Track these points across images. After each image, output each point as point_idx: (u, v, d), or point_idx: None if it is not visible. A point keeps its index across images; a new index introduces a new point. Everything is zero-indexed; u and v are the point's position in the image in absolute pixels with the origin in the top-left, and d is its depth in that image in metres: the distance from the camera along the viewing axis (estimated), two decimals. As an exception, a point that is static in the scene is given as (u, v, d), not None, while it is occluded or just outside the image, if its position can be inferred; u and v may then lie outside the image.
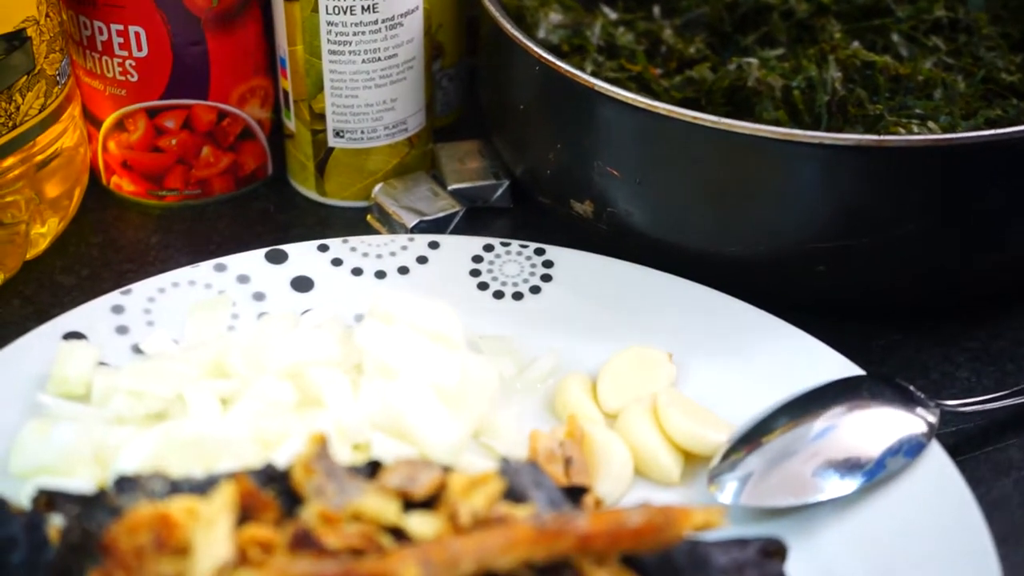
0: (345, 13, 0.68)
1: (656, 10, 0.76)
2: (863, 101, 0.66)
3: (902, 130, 0.63)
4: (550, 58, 0.63)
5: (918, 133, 0.63)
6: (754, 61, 0.68)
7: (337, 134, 0.71)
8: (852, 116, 0.65)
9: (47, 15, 0.65)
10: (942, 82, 0.67)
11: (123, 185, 0.73)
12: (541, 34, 0.71)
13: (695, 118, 0.59)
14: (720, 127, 0.59)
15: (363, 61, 0.69)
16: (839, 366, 0.58)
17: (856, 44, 0.70)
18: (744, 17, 0.74)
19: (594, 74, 0.68)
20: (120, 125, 0.71)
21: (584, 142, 0.64)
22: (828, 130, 0.65)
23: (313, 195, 0.74)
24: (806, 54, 0.69)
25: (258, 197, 0.75)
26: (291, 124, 0.73)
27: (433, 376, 0.55)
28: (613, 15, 0.75)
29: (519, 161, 0.70)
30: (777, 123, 0.65)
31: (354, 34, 0.68)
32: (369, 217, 0.72)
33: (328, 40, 0.69)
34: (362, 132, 0.71)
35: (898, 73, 0.68)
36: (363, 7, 0.68)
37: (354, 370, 0.57)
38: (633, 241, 0.64)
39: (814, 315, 0.62)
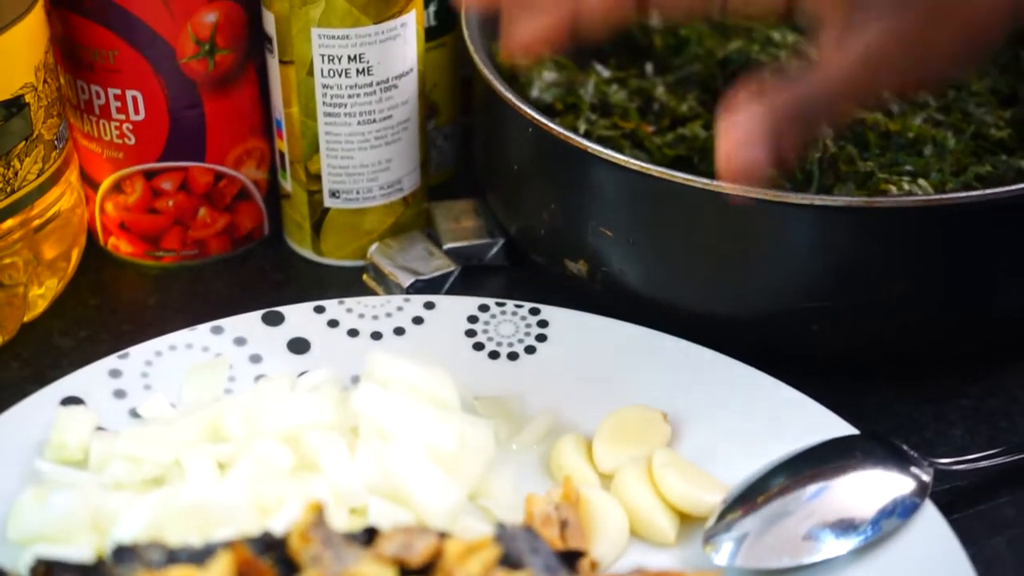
0: (340, 76, 0.68)
1: (649, 67, 0.77)
2: (854, 158, 0.67)
3: (893, 188, 0.64)
4: (543, 120, 0.64)
5: (909, 191, 0.64)
6: None
7: (333, 194, 0.72)
8: (843, 173, 0.66)
9: (45, 81, 0.66)
10: (932, 139, 0.68)
11: (120, 246, 0.74)
12: (535, 93, 0.72)
13: (687, 180, 0.60)
14: (711, 189, 0.59)
15: (358, 123, 0.70)
16: (833, 425, 0.58)
17: (846, 100, 0.71)
18: (735, 74, 0.75)
19: (587, 133, 0.69)
20: (117, 187, 0.72)
21: (578, 202, 0.64)
22: (820, 187, 0.65)
23: (309, 254, 0.74)
24: None
25: (254, 257, 0.75)
26: (287, 185, 0.73)
27: (429, 440, 0.56)
28: (606, 73, 0.76)
29: (513, 220, 0.71)
30: (769, 181, 0.66)
31: (349, 96, 0.69)
32: (365, 277, 0.72)
33: (323, 102, 0.69)
34: (358, 192, 0.72)
35: (888, 129, 0.69)
36: (358, 70, 0.68)
37: (351, 433, 0.58)
38: (627, 300, 0.65)
39: (807, 371, 0.62)
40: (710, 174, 0.65)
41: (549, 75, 0.73)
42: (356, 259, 0.74)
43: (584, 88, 0.73)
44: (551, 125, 0.64)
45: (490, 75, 0.67)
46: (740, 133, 0.52)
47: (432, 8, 0.74)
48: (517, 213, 0.70)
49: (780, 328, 0.63)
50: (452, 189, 0.79)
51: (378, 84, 0.69)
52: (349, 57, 0.68)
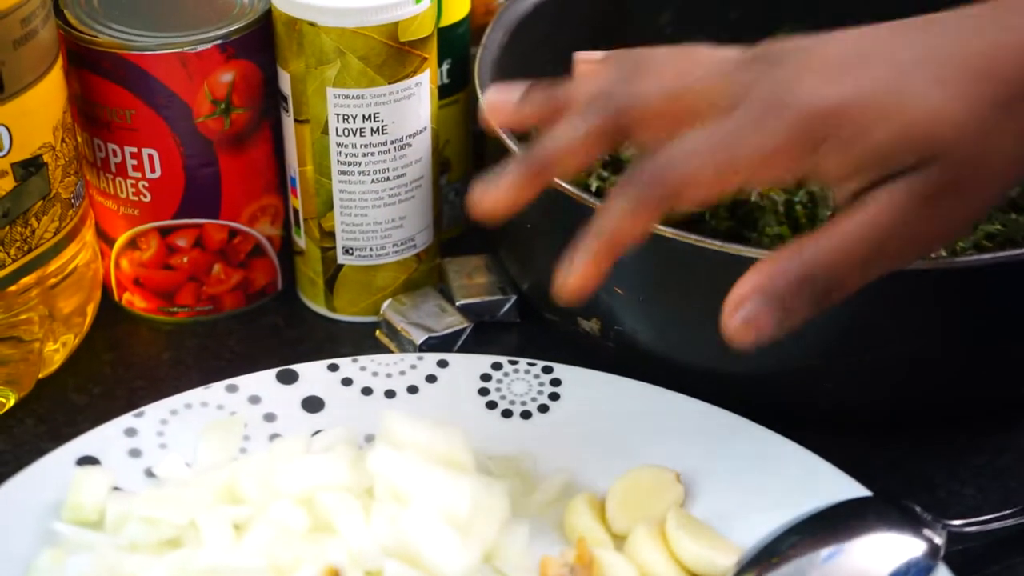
0: (355, 135, 0.70)
1: None
2: None
3: None
4: (568, 187, 0.65)
5: None
6: None
7: (346, 251, 0.73)
8: None
9: (63, 140, 0.67)
10: None
11: (135, 302, 0.75)
12: None
13: (699, 241, 0.61)
14: (725, 251, 0.60)
15: (372, 181, 0.71)
16: (846, 487, 0.59)
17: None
18: None
19: (599, 190, 0.70)
20: (133, 243, 0.73)
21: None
22: None
23: (322, 310, 0.75)
24: None
25: (268, 312, 0.76)
26: (301, 241, 0.74)
27: (444, 502, 0.57)
28: None
29: (526, 277, 0.71)
30: (780, 238, 0.67)
31: (363, 155, 0.70)
32: (378, 333, 0.73)
33: (338, 161, 0.70)
34: (371, 249, 0.73)
35: None
36: (372, 129, 0.70)
37: (366, 495, 0.59)
38: (640, 358, 0.66)
39: (819, 429, 0.63)
40: (721, 232, 0.66)
41: None
42: (369, 315, 0.75)
43: None
44: (564, 185, 0.65)
45: (503, 133, 0.68)
46: (748, 300, 0.52)
47: (445, 66, 0.76)
48: (530, 270, 0.71)
49: (792, 386, 0.64)
50: (464, 244, 0.80)
51: (392, 143, 0.70)
52: (364, 116, 0.69)
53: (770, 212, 0.68)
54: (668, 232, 0.61)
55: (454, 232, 0.81)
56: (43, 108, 0.65)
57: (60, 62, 0.67)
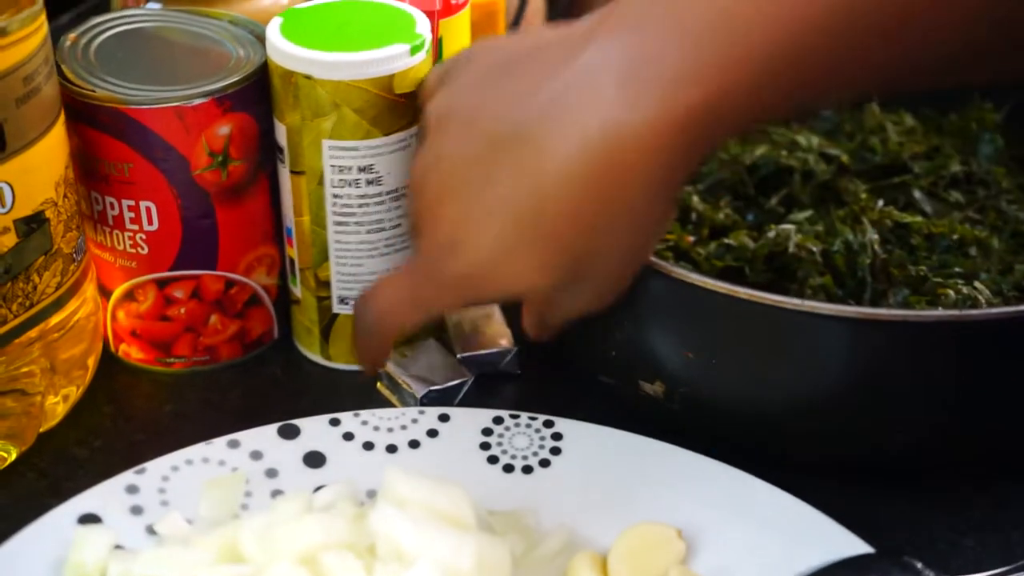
0: (350, 186, 0.71)
1: None
2: (904, 262, 0.70)
3: (951, 292, 0.68)
4: None
5: (968, 294, 0.67)
6: (791, 227, 0.71)
7: (342, 301, 0.75)
8: (895, 278, 0.69)
9: (65, 195, 0.68)
10: (975, 239, 0.71)
11: (131, 353, 0.76)
12: None
13: (778, 302, 0.62)
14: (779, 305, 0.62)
15: (368, 231, 0.72)
16: (849, 543, 0.60)
17: (881, 203, 0.74)
18: (765, 179, 0.78)
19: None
20: (130, 295, 0.74)
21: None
22: (873, 292, 0.69)
23: (319, 359, 0.77)
24: (837, 216, 0.73)
25: (268, 363, 0.78)
26: (297, 291, 0.76)
27: (447, 561, 0.58)
28: None
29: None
30: (824, 289, 0.69)
31: (359, 206, 0.72)
32: (379, 385, 0.75)
33: (333, 211, 0.72)
34: None
35: (931, 231, 0.72)
36: (367, 180, 0.71)
37: (368, 553, 0.60)
38: (642, 402, 0.67)
39: (820, 478, 0.65)
40: (761, 284, 0.68)
41: None
42: None
43: None
44: None
45: None
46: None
47: None
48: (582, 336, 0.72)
49: (809, 436, 0.65)
50: None
51: (387, 194, 0.72)
52: (359, 168, 0.71)
53: (809, 263, 0.70)
54: (744, 293, 0.62)
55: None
56: (45, 164, 0.67)
57: (62, 118, 0.68)
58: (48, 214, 0.67)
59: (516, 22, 0.88)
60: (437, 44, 0.75)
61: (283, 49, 0.69)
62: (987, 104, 0.83)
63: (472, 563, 0.58)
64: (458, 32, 0.76)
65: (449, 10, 0.75)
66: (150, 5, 0.78)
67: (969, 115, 0.82)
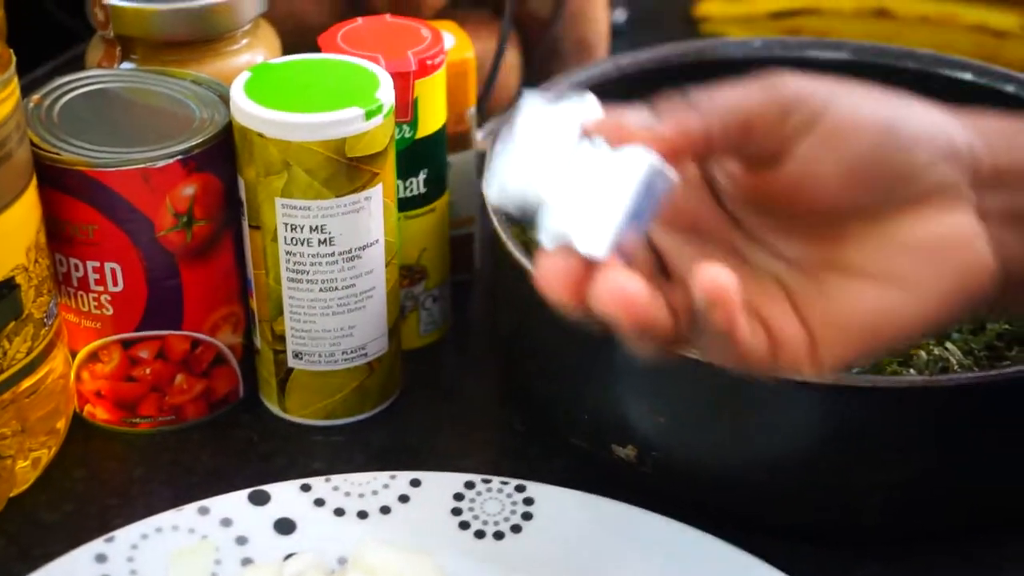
0: (303, 244, 0.74)
1: None
2: None
3: (923, 353, 0.71)
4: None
5: (937, 356, 0.71)
6: None
7: (296, 356, 0.77)
8: None
9: (36, 260, 0.71)
10: None
11: (97, 413, 0.79)
12: None
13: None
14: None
15: (320, 290, 0.75)
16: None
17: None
18: None
19: None
20: (94, 356, 0.77)
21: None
22: None
23: (277, 411, 0.80)
24: None
25: (239, 424, 0.80)
26: (258, 342, 0.79)
27: (418, 633, 0.61)
28: None
29: (544, 397, 0.76)
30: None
31: (311, 264, 0.75)
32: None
33: (287, 268, 0.75)
34: (320, 356, 0.77)
35: None
36: (320, 240, 0.74)
37: (339, 623, 0.62)
38: (618, 468, 0.70)
39: (794, 542, 0.67)
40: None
41: None
42: (320, 419, 0.80)
43: None
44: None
45: (526, 262, 0.71)
46: None
47: (422, 176, 0.81)
48: (553, 387, 0.75)
49: (782, 500, 0.68)
50: (443, 350, 0.86)
51: (340, 254, 0.75)
52: (311, 227, 0.74)
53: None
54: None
55: (434, 337, 0.86)
56: (17, 230, 0.69)
57: (35, 182, 0.71)
58: (19, 279, 0.70)
59: (491, 79, 0.90)
60: (412, 104, 0.78)
61: (241, 106, 0.72)
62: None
63: (443, 635, 0.61)
64: (434, 92, 0.79)
65: (424, 71, 0.78)
66: (123, 65, 0.80)
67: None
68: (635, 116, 0.56)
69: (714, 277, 0.53)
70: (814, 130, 0.58)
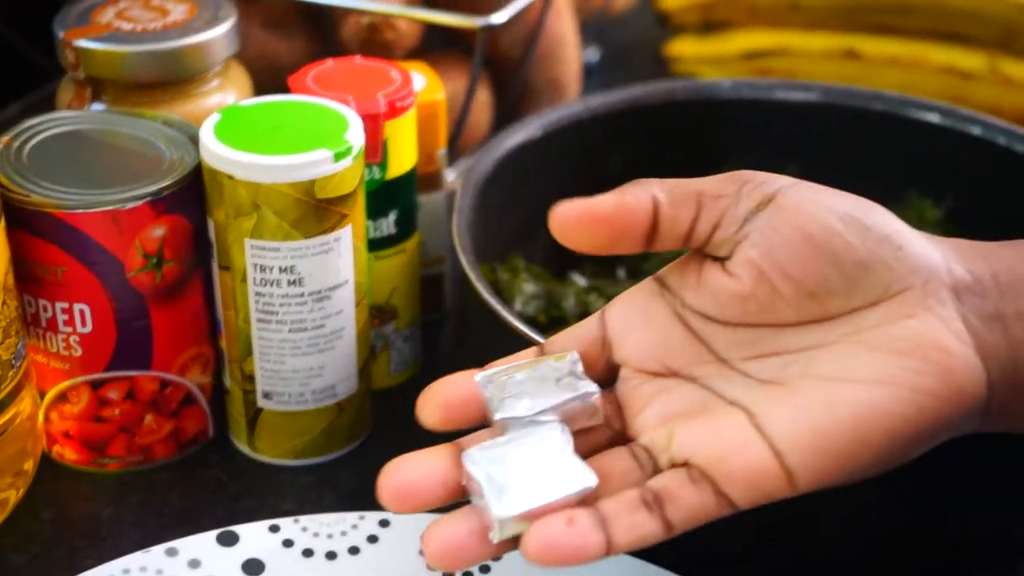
0: (272, 285, 0.75)
1: (621, 272, 0.84)
2: None
3: None
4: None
5: None
6: None
7: (266, 396, 0.78)
8: None
9: (4, 302, 0.71)
10: None
11: (65, 454, 0.79)
12: (517, 307, 0.79)
13: None
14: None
15: (290, 330, 0.76)
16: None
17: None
18: None
19: None
20: (63, 397, 0.77)
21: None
22: None
23: (247, 451, 0.80)
24: None
25: (209, 464, 0.81)
26: (227, 382, 0.79)
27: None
28: (583, 282, 0.83)
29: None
30: None
31: (281, 305, 0.75)
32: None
33: (256, 308, 0.76)
34: (289, 396, 0.78)
35: None
36: (289, 281, 0.74)
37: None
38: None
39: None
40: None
41: (529, 287, 0.80)
42: (290, 459, 0.80)
43: (566, 300, 0.79)
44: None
45: (496, 304, 0.72)
46: None
47: (392, 216, 0.81)
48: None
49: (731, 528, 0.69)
50: (414, 389, 0.84)
51: (310, 295, 0.75)
52: (280, 268, 0.74)
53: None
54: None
55: (404, 376, 0.87)
56: (-18, 273, 0.70)
57: (2, 223, 0.71)
58: (-14, 322, 0.70)
59: (461, 120, 0.91)
60: (383, 146, 0.79)
61: (210, 148, 0.73)
62: (926, 201, 0.87)
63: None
64: (404, 134, 0.80)
65: (394, 112, 0.79)
66: (93, 107, 0.81)
67: (909, 212, 0.86)
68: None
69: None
70: (772, 203, 0.58)
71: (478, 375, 0.62)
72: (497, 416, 0.60)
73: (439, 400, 0.61)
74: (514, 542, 0.57)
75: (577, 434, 0.60)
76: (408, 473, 0.59)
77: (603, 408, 0.61)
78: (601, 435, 0.61)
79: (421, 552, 0.58)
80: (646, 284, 0.63)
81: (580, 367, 0.61)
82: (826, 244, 0.57)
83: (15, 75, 1.07)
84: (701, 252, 0.61)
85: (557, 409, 0.60)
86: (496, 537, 0.57)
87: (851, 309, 0.57)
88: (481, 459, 0.58)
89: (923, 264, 0.57)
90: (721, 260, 0.60)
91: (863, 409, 0.55)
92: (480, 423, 0.61)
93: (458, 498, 0.59)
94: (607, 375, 0.63)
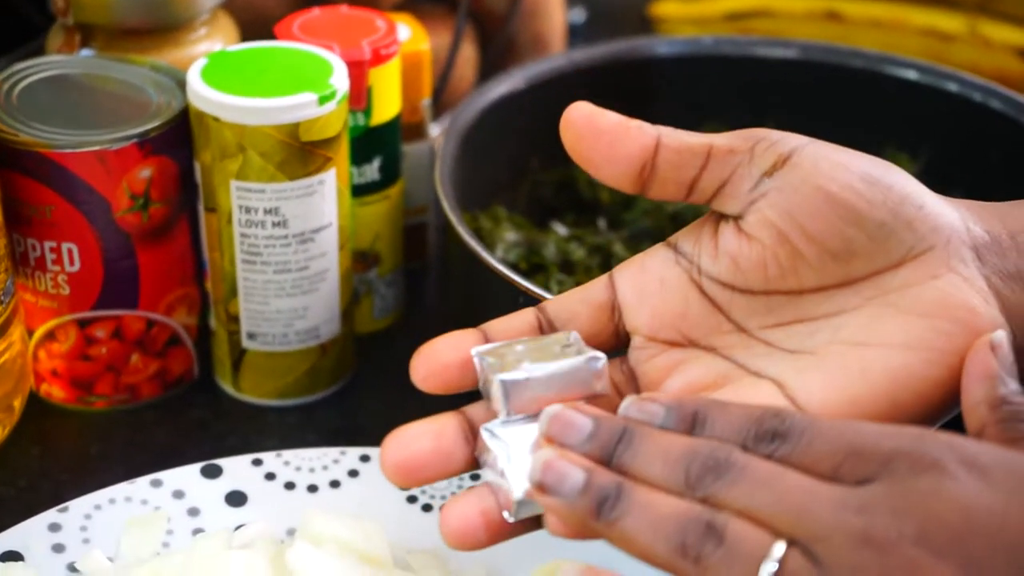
0: (256, 227, 0.76)
1: (602, 223, 0.85)
2: None
3: None
4: (539, 291, 0.71)
5: None
6: None
7: (250, 336, 0.80)
8: None
9: (-8, 240, 0.73)
10: None
11: (53, 392, 0.81)
12: (499, 254, 0.80)
13: None
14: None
15: (274, 272, 0.78)
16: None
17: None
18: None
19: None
20: (51, 336, 0.79)
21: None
22: None
23: (231, 391, 0.83)
24: None
25: (194, 405, 0.83)
26: (212, 323, 0.81)
27: (362, 597, 0.63)
28: (564, 231, 0.84)
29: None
30: None
31: (265, 246, 0.77)
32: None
33: (241, 250, 0.77)
34: (273, 336, 0.80)
35: None
36: (274, 222, 0.76)
37: (286, 590, 0.65)
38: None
39: None
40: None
41: (511, 235, 0.82)
42: (273, 399, 0.82)
43: (546, 248, 0.81)
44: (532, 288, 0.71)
45: (478, 247, 0.74)
46: None
47: (376, 163, 0.83)
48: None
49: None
50: (398, 334, 0.89)
51: (294, 237, 0.77)
52: (265, 210, 0.76)
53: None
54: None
55: (387, 322, 0.89)
56: (-29, 210, 0.71)
57: (-7, 163, 0.73)
58: (-25, 257, 0.72)
59: (446, 72, 0.93)
60: (367, 93, 0.80)
61: (197, 90, 0.75)
62: (903, 155, 0.89)
63: (387, 598, 0.63)
64: (388, 81, 0.82)
65: (379, 59, 0.80)
66: (83, 52, 0.82)
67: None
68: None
69: None
70: (789, 162, 0.57)
71: (474, 349, 0.60)
72: (498, 378, 0.58)
73: (435, 365, 0.60)
74: (530, 523, 0.58)
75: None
76: (413, 445, 0.58)
77: (612, 377, 0.60)
78: (609, 407, 0.57)
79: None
80: (659, 250, 0.61)
81: (582, 344, 0.59)
82: (848, 204, 0.56)
83: (4, 29, 1.08)
84: (714, 216, 0.60)
85: (563, 376, 0.58)
86: (513, 518, 0.57)
87: (874, 271, 0.57)
88: (502, 434, 0.58)
89: (944, 223, 0.57)
90: (735, 220, 0.59)
91: (896, 374, 0.55)
92: (473, 388, 0.60)
93: (465, 471, 0.59)
94: (614, 343, 0.61)
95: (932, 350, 0.55)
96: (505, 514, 0.57)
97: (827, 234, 0.56)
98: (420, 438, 0.58)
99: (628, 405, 0.55)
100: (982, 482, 0.48)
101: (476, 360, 0.60)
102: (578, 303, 0.61)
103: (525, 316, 0.62)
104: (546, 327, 0.61)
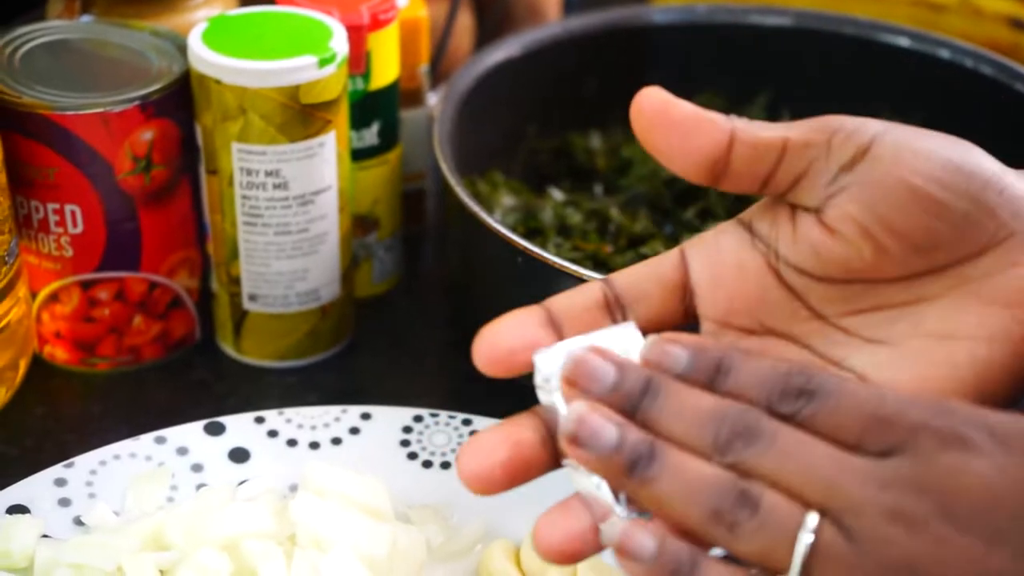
0: (258, 188, 0.77)
1: (598, 189, 0.86)
2: None
3: None
4: (537, 251, 0.72)
5: None
6: None
7: (251, 298, 0.81)
8: None
9: (-3, 200, 0.73)
10: None
11: (56, 354, 0.82)
12: (497, 218, 0.81)
13: None
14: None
15: (275, 233, 0.79)
16: None
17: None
18: (682, 193, 0.85)
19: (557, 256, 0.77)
20: (54, 297, 0.80)
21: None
22: None
23: (232, 352, 0.83)
24: None
25: (196, 366, 0.84)
26: (214, 285, 0.82)
27: (363, 547, 0.64)
28: (560, 196, 0.85)
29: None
30: None
31: (266, 208, 0.78)
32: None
33: (242, 212, 0.78)
34: (274, 298, 0.81)
35: None
36: (275, 184, 0.77)
37: (288, 541, 0.66)
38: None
39: None
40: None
41: (508, 200, 0.83)
42: (275, 360, 0.83)
43: (543, 212, 0.82)
44: (551, 257, 0.71)
45: (476, 208, 0.75)
46: None
47: (375, 127, 0.84)
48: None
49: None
50: (396, 298, 0.89)
51: (295, 199, 0.78)
52: (266, 172, 0.77)
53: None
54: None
55: (386, 287, 0.89)
56: (-25, 171, 0.72)
57: (-6, 125, 0.74)
58: (-21, 218, 0.72)
59: (444, 40, 0.94)
60: (365, 58, 0.81)
61: (198, 54, 0.76)
62: (895, 121, 0.90)
63: (387, 549, 0.64)
64: (387, 46, 0.82)
65: (377, 24, 0.81)
66: (83, 18, 0.83)
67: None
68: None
69: None
70: (868, 154, 0.55)
71: (536, 354, 0.54)
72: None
73: (499, 351, 0.56)
74: None
75: None
76: (491, 456, 0.55)
77: None
78: None
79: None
80: (732, 229, 0.59)
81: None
82: (932, 197, 0.54)
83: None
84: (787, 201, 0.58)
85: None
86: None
87: (956, 260, 0.55)
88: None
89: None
90: (813, 211, 0.56)
91: (982, 368, 0.53)
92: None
93: (545, 474, 0.57)
94: (682, 325, 0.58)
95: (1017, 342, 0.54)
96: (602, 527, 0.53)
97: (912, 228, 0.55)
98: (497, 449, 0.55)
99: (651, 345, 0.53)
100: (1008, 456, 0.47)
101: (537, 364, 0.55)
102: (647, 280, 0.58)
103: (591, 292, 0.58)
104: (612, 303, 0.58)
